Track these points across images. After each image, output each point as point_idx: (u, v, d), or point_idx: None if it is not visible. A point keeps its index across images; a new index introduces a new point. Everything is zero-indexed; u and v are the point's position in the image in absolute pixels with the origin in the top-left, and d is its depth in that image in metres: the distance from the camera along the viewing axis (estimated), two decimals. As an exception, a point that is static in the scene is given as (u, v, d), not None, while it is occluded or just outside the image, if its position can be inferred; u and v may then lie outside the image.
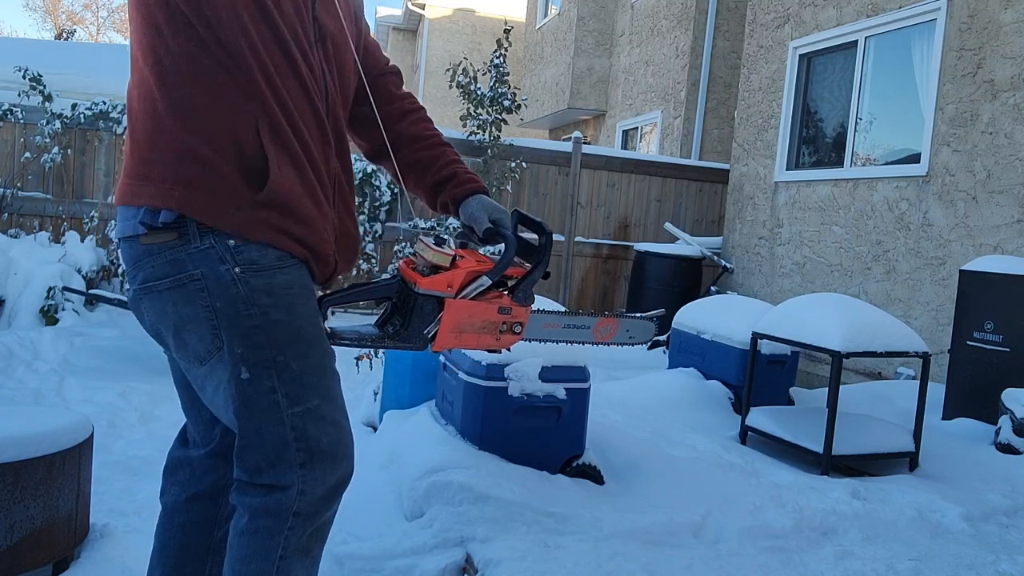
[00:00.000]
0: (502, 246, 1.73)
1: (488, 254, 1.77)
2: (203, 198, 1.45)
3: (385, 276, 1.48)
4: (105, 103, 6.86)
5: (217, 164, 1.46)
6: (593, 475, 3.00)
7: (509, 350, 1.80)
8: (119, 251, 1.62)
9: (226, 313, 1.48)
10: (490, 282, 1.67)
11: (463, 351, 2.97)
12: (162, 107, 1.48)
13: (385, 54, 1.93)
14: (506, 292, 1.73)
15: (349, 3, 1.74)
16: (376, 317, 1.73)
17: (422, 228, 7.92)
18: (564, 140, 8.89)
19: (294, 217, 1.51)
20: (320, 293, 1.69)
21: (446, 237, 1.72)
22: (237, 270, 1.48)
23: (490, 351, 1.76)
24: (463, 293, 1.65)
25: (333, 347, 1.64)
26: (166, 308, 1.51)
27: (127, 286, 1.60)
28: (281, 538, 1.52)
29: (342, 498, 1.63)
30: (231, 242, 1.49)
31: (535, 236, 1.78)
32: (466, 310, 1.65)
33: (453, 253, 1.68)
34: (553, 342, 1.98)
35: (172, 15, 1.45)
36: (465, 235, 1.81)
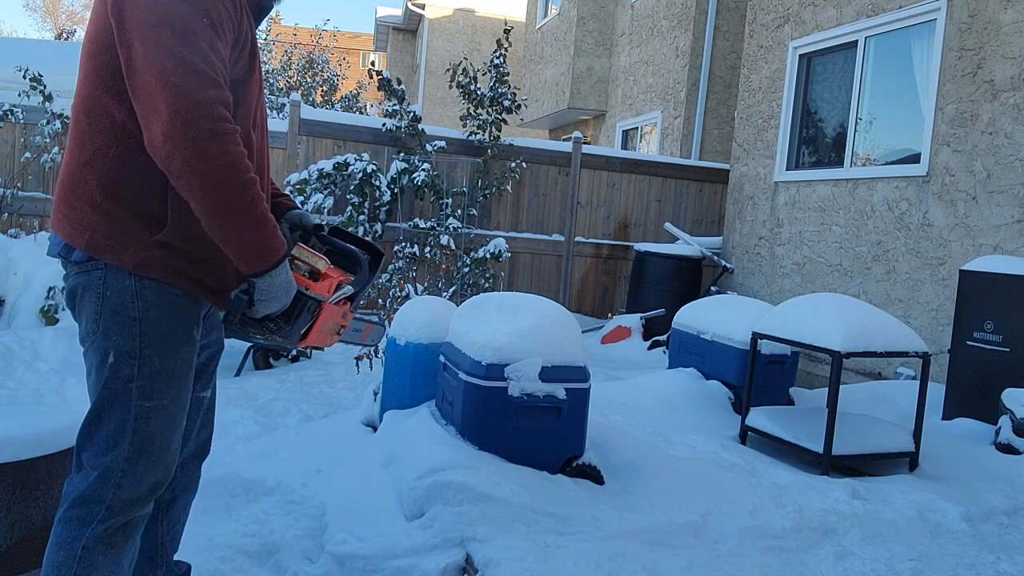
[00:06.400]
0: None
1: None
2: (105, 241, 1.65)
3: None
4: (105, 103, 6.85)
5: (119, 214, 1.65)
6: (593, 475, 3.00)
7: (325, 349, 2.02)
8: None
9: (111, 303, 1.66)
10: (352, 291, 1.93)
11: (463, 351, 2.98)
12: (86, 157, 1.66)
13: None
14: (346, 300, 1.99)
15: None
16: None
17: (422, 228, 7.92)
18: (564, 140, 8.90)
19: (190, 258, 1.70)
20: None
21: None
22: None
23: (316, 348, 2.02)
24: (332, 298, 1.88)
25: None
26: (75, 291, 1.70)
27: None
28: (88, 529, 1.65)
29: (155, 500, 1.77)
30: None
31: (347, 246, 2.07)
32: (332, 313, 1.89)
33: (325, 258, 1.91)
34: (343, 343, 2.21)
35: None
36: (298, 232, 2.01)
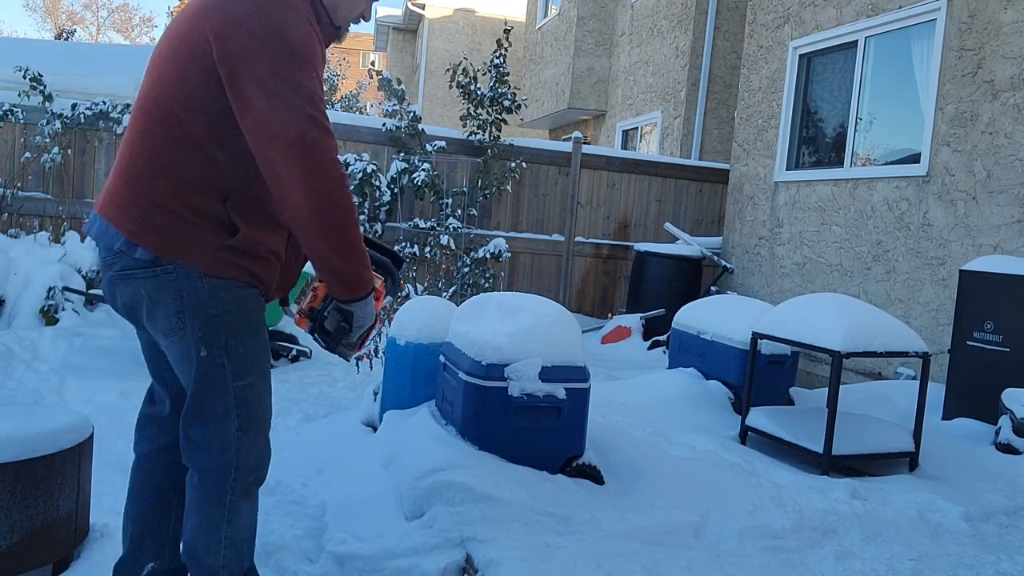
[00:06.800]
0: None
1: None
2: (176, 243, 1.79)
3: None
4: (105, 103, 6.86)
5: (191, 219, 1.79)
6: (593, 475, 3.00)
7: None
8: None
9: (191, 302, 1.82)
10: (393, 300, 2.09)
11: (463, 351, 2.98)
12: (158, 165, 1.79)
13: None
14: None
15: None
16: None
17: (422, 228, 7.92)
18: (564, 140, 8.89)
19: (252, 255, 1.88)
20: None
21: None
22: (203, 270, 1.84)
23: None
24: (380, 309, 2.13)
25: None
26: (140, 289, 1.84)
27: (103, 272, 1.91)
28: (228, 485, 1.92)
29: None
30: None
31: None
32: (377, 320, 2.12)
33: (379, 276, 2.14)
34: None
35: (217, 114, 1.75)
36: None
